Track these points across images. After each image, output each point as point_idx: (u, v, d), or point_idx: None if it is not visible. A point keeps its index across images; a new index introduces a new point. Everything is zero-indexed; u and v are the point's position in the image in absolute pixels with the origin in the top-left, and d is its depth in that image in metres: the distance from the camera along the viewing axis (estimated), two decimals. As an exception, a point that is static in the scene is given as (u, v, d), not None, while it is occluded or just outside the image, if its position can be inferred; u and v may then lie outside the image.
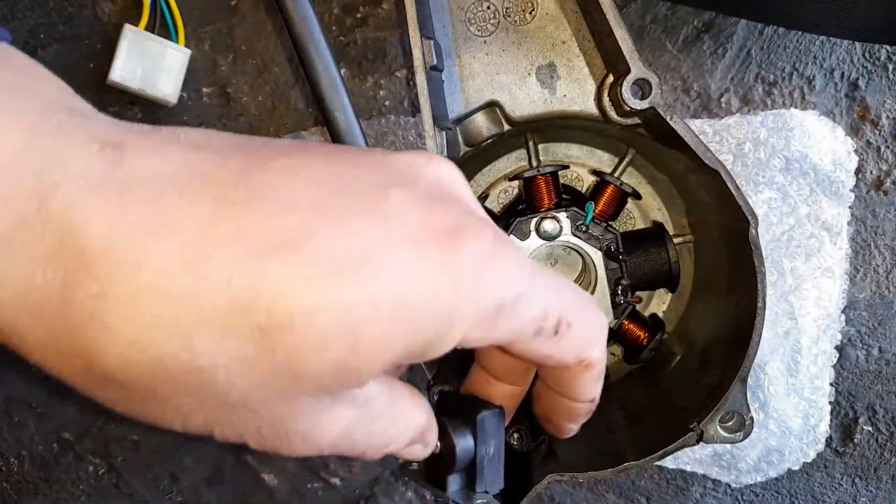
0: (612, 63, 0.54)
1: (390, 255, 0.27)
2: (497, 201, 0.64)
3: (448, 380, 0.53)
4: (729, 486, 0.65)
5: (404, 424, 0.33)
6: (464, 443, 0.36)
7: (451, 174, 0.32)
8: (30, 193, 0.24)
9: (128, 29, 0.60)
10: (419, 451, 0.35)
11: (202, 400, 0.26)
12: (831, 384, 0.64)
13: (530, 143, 0.62)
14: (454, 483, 0.37)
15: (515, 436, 0.57)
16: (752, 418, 0.53)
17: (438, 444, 0.36)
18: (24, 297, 0.25)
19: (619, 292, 0.58)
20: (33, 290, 0.25)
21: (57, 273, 0.24)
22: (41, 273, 0.24)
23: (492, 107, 0.56)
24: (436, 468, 0.37)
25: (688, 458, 0.65)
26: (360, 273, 0.26)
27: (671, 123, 0.51)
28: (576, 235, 0.58)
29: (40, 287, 0.25)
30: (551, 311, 0.32)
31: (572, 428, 0.39)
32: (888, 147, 0.62)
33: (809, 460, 0.65)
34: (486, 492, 0.37)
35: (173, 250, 0.25)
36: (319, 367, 0.26)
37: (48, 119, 0.25)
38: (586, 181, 0.63)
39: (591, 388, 0.36)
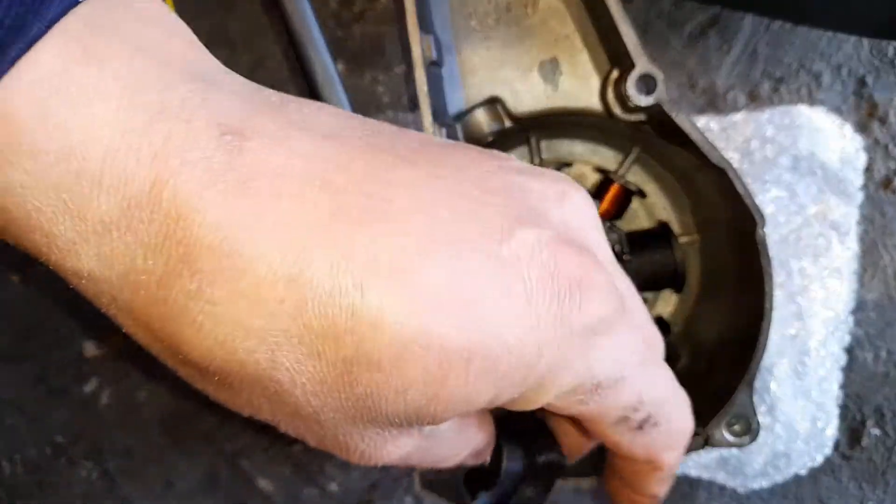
0: (616, 58, 0.53)
1: (497, 306, 0.25)
2: (498, 200, 0.63)
3: None
4: (735, 491, 0.65)
5: (464, 447, 0.32)
6: (512, 468, 0.35)
7: (586, 213, 0.30)
8: (142, 179, 0.23)
9: (120, 23, 0.60)
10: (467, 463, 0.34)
11: (274, 404, 0.26)
12: (840, 387, 0.63)
13: (532, 140, 0.61)
14: (483, 499, 0.35)
15: None
16: (758, 422, 0.52)
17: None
18: (125, 276, 0.25)
19: (624, 293, 0.57)
20: (134, 272, 0.24)
21: (158, 262, 0.24)
22: (142, 259, 0.24)
23: (493, 103, 0.55)
24: (471, 476, 0.36)
25: (693, 463, 0.64)
26: (460, 317, 0.25)
27: (676, 120, 0.50)
28: (579, 235, 0.57)
29: (140, 271, 0.24)
30: (644, 405, 0.30)
31: None
32: (896, 145, 0.62)
33: (817, 465, 0.64)
34: None
35: (277, 259, 0.24)
36: (396, 407, 0.25)
37: (171, 96, 0.24)
38: (590, 179, 0.62)
39: (651, 487, 0.34)
